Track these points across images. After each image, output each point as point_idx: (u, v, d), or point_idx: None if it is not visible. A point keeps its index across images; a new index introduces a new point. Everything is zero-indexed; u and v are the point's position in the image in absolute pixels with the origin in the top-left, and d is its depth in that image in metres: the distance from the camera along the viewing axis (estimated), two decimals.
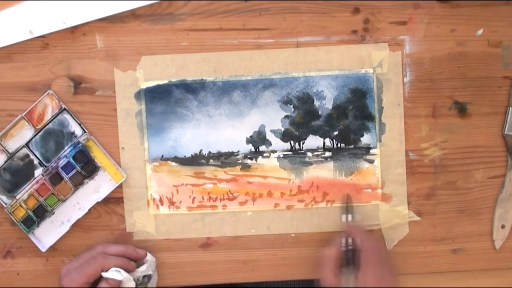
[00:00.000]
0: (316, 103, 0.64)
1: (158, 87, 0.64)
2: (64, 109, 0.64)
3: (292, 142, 0.65)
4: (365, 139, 0.64)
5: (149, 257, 0.63)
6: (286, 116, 0.65)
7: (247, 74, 0.64)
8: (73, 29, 0.64)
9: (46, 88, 0.64)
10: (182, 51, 0.64)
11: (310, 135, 0.65)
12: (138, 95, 0.64)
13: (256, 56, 0.64)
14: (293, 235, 0.65)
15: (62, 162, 0.64)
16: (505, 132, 0.64)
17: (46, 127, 0.64)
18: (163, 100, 0.64)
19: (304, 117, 0.65)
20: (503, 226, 0.65)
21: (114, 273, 0.59)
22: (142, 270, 0.62)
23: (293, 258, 0.65)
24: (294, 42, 0.64)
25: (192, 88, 0.64)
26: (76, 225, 0.65)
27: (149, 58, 0.64)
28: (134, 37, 0.64)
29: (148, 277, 0.62)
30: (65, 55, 0.64)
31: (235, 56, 0.64)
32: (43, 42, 0.64)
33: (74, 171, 0.64)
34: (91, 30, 0.64)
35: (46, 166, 0.64)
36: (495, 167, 0.65)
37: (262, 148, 0.65)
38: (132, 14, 0.64)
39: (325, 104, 0.64)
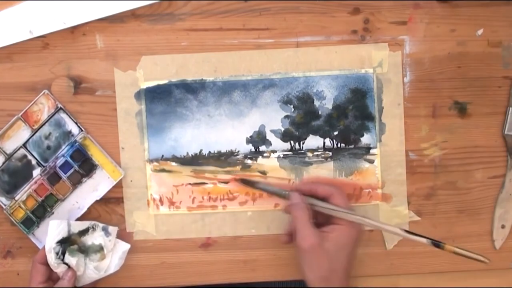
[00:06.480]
0: (316, 103, 0.64)
1: (158, 87, 0.64)
2: (60, 108, 0.63)
3: (292, 142, 0.65)
4: (365, 139, 0.64)
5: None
6: (286, 116, 0.65)
7: (247, 74, 0.64)
8: (73, 29, 0.64)
9: (47, 88, 0.64)
10: (182, 51, 0.64)
11: (310, 135, 0.65)
12: (138, 95, 0.64)
13: (256, 56, 0.64)
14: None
15: (60, 161, 0.64)
16: (505, 132, 0.64)
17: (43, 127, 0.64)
18: (163, 100, 0.64)
19: (304, 117, 0.64)
20: (503, 226, 0.65)
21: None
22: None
23: (293, 258, 0.65)
24: (294, 42, 0.64)
25: (192, 88, 0.64)
26: None
27: (149, 58, 0.64)
28: (134, 37, 0.64)
29: None
30: (65, 55, 0.64)
31: (235, 56, 0.64)
32: (43, 42, 0.64)
33: (72, 170, 0.64)
34: (91, 30, 0.64)
35: (44, 166, 0.64)
36: (495, 167, 0.65)
37: (262, 148, 0.65)
38: (132, 14, 0.64)
39: (325, 104, 0.64)
